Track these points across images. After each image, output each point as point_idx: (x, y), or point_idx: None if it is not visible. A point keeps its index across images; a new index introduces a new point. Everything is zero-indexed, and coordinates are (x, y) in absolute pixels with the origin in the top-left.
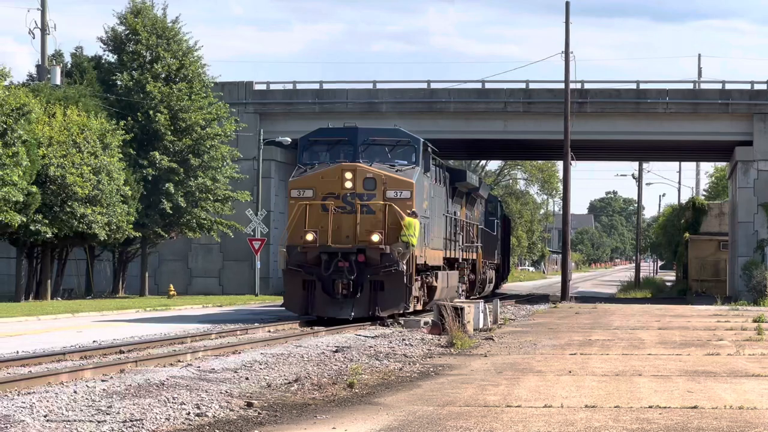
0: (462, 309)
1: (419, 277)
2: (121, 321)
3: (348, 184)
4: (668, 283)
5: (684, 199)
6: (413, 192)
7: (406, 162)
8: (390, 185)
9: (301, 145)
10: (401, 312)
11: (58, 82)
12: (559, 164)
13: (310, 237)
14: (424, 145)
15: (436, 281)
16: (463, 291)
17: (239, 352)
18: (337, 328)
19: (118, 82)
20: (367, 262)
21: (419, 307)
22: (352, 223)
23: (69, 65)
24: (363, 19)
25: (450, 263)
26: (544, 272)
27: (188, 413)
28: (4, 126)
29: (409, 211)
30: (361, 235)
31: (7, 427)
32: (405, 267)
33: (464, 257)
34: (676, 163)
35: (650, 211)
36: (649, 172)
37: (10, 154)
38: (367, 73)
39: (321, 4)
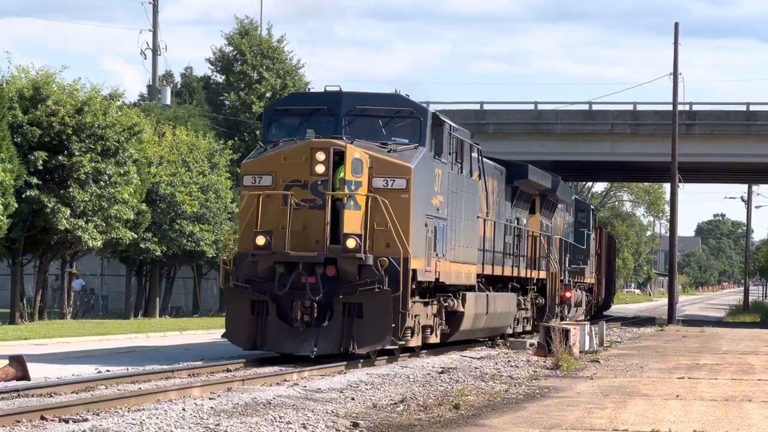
0: (568, 331)
1: (435, 300)
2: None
3: (319, 169)
4: None
5: None
6: (410, 180)
7: (407, 140)
8: (378, 170)
9: (267, 116)
10: (387, 348)
11: (168, 102)
12: (666, 186)
13: (261, 241)
14: (435, 117)
15: (463, 306)
16: (524, 318)
17: (345, 372)
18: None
19: (226, 102)
20: (339, 276)
21: (435, 340)
22: (322, 223)
23: (179, 85)
24: (465, 40)
25: (503, 283)
26: (650, 294)
27: None
28: (117, 145)
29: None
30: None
31: None
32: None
33: (527, 276)
34: None
35: (759, 234)
36: (758, 194)
37: (122, 172)
38: (469, 94)
39: (423, 25)
